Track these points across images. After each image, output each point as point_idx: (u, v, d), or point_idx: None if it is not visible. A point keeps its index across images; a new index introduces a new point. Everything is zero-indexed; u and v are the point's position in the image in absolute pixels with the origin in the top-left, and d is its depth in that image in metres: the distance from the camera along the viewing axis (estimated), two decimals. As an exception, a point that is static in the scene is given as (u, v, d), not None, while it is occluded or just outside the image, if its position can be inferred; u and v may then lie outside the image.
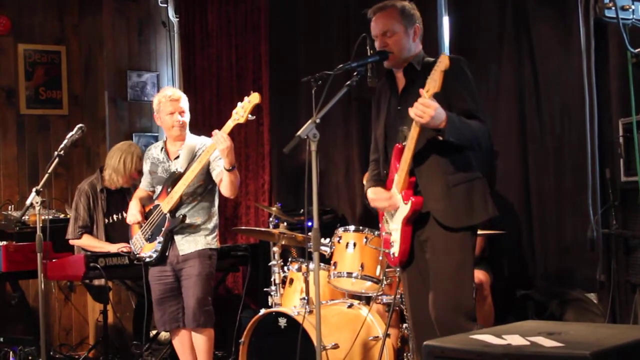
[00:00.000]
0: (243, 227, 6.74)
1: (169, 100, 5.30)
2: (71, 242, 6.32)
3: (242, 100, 5.02)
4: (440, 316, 3.84)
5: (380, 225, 4.21)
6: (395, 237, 3.99)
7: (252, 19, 7.11)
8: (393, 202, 3.97)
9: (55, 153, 5.21)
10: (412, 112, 3.68)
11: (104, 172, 6.36)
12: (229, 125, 5.01)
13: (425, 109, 3.63)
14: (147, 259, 5.29)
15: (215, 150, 5.07)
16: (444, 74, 3.66)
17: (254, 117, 5.06)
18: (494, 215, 3.97)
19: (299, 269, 5.26)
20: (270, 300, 5.41)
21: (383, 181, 4.11)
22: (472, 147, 3.89)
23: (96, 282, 6.17)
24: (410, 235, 3.95)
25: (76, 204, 6.35)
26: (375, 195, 4.06)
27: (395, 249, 4.00)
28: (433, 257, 3.91)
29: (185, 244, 5.24)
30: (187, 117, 5.36)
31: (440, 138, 3.72)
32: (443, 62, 3.62)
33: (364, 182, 5.52)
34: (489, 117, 4.96)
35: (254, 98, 4.97)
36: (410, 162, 3.86)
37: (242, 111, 4.98)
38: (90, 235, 6.28)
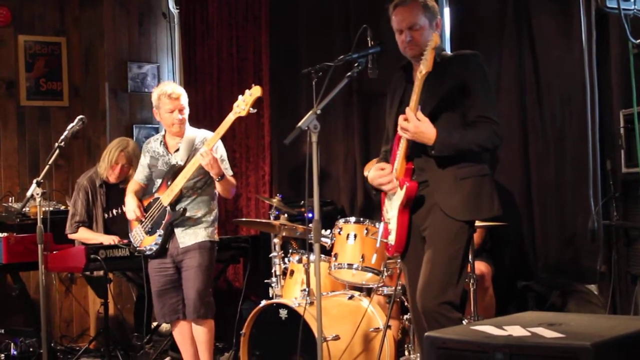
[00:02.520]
0: (244, 219, 6.74)
1: (169, 98, 5.27)
2: (69, 236, 6.33)
3: (243, 93, 5.01)
4: (425, 304, 3.84)
5: (382, 214, 4.21)
6: (393, 226, 4.00)
7: (253, 10, 7.10)
8: (395, 182, 3.97)
9: (56, 144, 5.20)
10: (399, 124, 3.83)
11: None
12: (230, 118, 5.01)
13: (407, 124, 3.78)
14: (148, 252, 5.29)
15: (215, 145, 5.08)
16: (467, 66, 3.88)
17: (256, 110, 5.06)
18: (499, 214, 3.99)
19: (300, 261, 5.27)
20: (271, 291, 5.42)
21: None
22: (473, 153, 3.91)
23: (96, 273, 6.18)
24: (407, 223, 3.95)
25: (74, 200, 6.35)
26: (376, 173, 4.04)
27: (392, 238, 4.01)
28: (430, 247, 3.91)
29: (186, 237, 5.24)
30: (186, 113, 5.35)
31: (432, 152, 3.81)
32: (434, 40, 3.75)
33: (365, 173, 5.53)
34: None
35: (255, 91, 4.96)
36: (406, 147, 3.89)
37: (243, 104, 4.98)
38: (86, 228, 6.29)
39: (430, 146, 3.79)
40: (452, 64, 3.94)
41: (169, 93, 5.28)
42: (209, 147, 5.03)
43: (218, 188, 5.24)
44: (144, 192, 5.48)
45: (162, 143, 5.40)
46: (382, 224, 4.17)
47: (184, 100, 5.33)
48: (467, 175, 3.89)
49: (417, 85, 3.79)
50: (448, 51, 5.49)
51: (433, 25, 3.99)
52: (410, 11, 3.97)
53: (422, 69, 3.75)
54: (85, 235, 6.24)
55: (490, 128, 3.86)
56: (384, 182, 4.01)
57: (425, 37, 3.92)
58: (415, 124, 3.76)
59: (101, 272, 5.97)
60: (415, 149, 3.90)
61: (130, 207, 5.37)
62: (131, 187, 5.51)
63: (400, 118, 3.81)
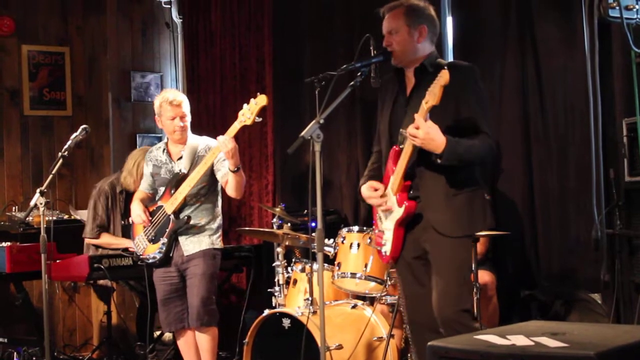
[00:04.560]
0: (247, 228, 6.73)
1: (170, 105, 5.28)
2: (88, 241, 6.32)
3: (247, 102, 5.01)
4: (445, 316, 3.85)
5: (373, 222, 4.22)
6: (388, 237, 4.01)
7: (256, 20, 7.11)
8: (387, 202, 3.99)
9: (59, 154, 5.22)
10: (408, 131, 3.76)
11: (122, 175, 6.36)
12: (235, 127, 5.01)
13: (417, 131, 3.71)
14: (151, 260, 5.29)
15: (220, 152, 5.07)
16: (460, 78, 3.81)
17: (261, 119, 5.05)
18: (491, 227, 4.09)
19: (303, 270, 5.27)
20: (274, 300, 5.41)
21: (380, 177, 4.12)
22: (475, 165, 3.93)
23: (99, 282, 6.18)
24: (402, 236, 3.97)
25: (95, 203, 6.35)
26: (368, 193, 4.07)
27: (387, 248, 4.02)
28: (434, 262, 3.92)
29: (190, 245, 5.24)
30: (188, 121, 5.35)
31: (439, 161, 3.75)
32: (443, 77, 3.64)
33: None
34: (493, 117, 4.97)
35: (260, 100, 4.95)
36: (406, 166, 3.88)
37: (248, 113, 4.97)
38: (108, 233, 6.29)
39: (438, 154, 3.74)
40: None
41: (170, 100, 5.29)
42: (230, 136, 4.99)
43: (231, 183, 5.15)
44: (150, 201, 5.48)
45: (165, 151, 5.41)
46: (376, 231, 4.19)
47: (186, 107, 5.33)
48: (459, 191, 3.88)
49: (421, 113, 3.73)
50: (451, 59, 5.54)
51: (415, 32, 3.97)
52: (392, 17, 4.00)
53: (429, 100, 3.69)
54: (108, 241, 6.25)
55: (487, 142, 3.86)
56: (377, 203, 4.05)
57: (404, 44, 3.95)
58: (426, 130, 3.70)
59: (105, 281, 5.97)
60: (411, 167, 3.90)
61: (136, 212, 5.37)
62: (137, 196, 5.52)
63: (411, 127, 3.75)
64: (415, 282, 4.03)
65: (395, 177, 3.92)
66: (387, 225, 4.01)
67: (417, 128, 3.70)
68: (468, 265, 3.97)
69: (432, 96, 3.68)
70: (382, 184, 4.05)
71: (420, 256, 3.99)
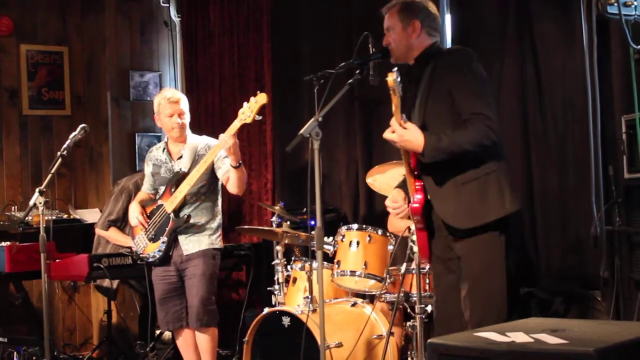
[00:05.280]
0: (246, 226, 6.73)
1: (168, 102, 5.29)
2: (97, 231, 6.35)
3: (247, 100, 5.01)
4: (472, 318, 3.80)
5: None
6: (414, 239, 4.03)
7: (255, 18, 7.11)
8: (399, 212, 4.00)
9: (58, 153, 5.21)
10: (384, 136, 3.75)
11: None
12: (235, 125, 5.01)
13: (392, 135, 3.68)
14: (151, 259, 5.29)
15: (220, 150, 5.07)
16: (454, 63, 3.87)
17: (261, 117, 5.05)
18: (512, 210, 3.81)
19: (303, 268, 5.27)
20: (273, 299, 5.41)
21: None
22: (472, 153, 3.75)
23: (100, 282, 6.18)
24: (425, 237, 3.93)
25: (115, 200, 6.38)
26: (389, 202, 4.06)
27: (416, 249, 4.06)
28: (463, 266, 3.86)
29: (190, 244, 5.24)
30: (187, 119, 5.35)
31: (422, 159, 3.71)
32: (389, 79, 3.59)
33: (367, 180, 5.53)
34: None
35: (261, 98, 4.95)
36: (408, 165, 3.86)
37: (248, 111, 4.97)
38: (118, 229, 6.31)
39: (420, 153, 3.69)
40: (441, 62, 3.89)
41: (168, 97, 5.30)
42: (230, 133, 4.99)
43: (233, 178, 5.15)
44: (152, 201, 5.47)
45: (165, 150, 5.41)
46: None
47: (184, 104, 5.34)
48: (469, 178, 3.77)
49: (395, 105, 3.68)
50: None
51: (408, 29, 3.95)
52: (389, 15, 4.02)
53: (393, 101, 3.66)
54: (115, 236, 6.28)
55: (483, 123, 3.71)
56: (391, 212, 4.06)
57: (399, 40, 3.95)
58: (399, 133, 3.66)
59: (106, 281, 5.97)
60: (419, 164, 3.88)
61: (133, 214, 5.37)
62: (139, 197, 5.53)
63: (387, 131, 3.73)
64: (445, 283, 3.98)
65: (406, 176, 3.91)
66: (412, 228, 4.02)
67: (393, 132, 3.69)
68: (498, 266, 3.78)
69: (393, 100, 3.65)
70: (403, 200, 4.03)
71: (451, 257, 3.92)
